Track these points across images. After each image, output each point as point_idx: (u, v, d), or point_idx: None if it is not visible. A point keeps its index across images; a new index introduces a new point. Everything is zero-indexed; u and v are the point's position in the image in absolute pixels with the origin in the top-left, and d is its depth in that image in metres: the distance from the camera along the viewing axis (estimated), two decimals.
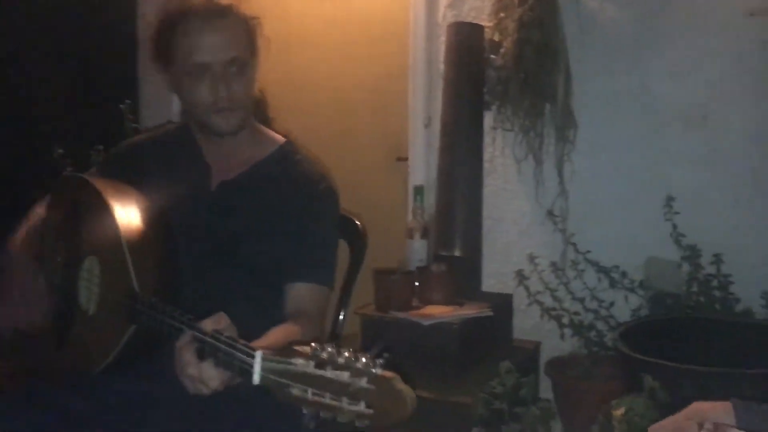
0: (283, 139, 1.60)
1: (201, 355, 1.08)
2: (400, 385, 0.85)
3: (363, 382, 0.85)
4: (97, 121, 2.77)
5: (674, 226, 2.39)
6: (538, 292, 2.56)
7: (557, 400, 2.34)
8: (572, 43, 2.49)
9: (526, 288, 2.57)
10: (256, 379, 0.97)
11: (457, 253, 2.56)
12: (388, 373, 0.85)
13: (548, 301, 2.54)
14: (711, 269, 2.33)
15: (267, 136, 1.59)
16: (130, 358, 1.26)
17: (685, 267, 2.37)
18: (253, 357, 0.98)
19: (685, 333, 2.08)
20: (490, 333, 2.41)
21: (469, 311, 2.31)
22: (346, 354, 0.88)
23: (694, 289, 2.34)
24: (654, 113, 2.49)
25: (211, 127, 1.47)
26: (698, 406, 1.00)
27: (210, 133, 1.49)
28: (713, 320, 2.15)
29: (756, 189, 2.37)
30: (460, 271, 2.46)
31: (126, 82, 3.22)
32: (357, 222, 1.72)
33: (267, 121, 2.56)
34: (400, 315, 2.27)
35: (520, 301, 2.62)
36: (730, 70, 2.39)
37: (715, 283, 2.31)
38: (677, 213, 2.40)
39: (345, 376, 0.86)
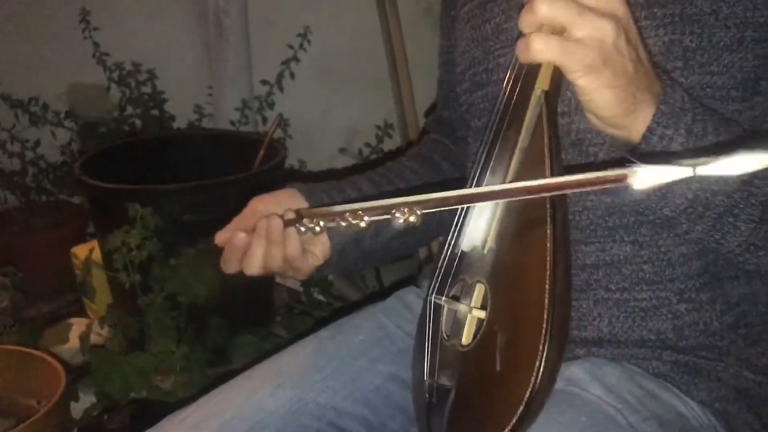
0: None
1: None
2: None
3: None
4: None
5: (95, 45, 2.13)
6: None
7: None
8: None
9: None
10: None
11: None
12: None
13: None
14: (145, 89, 2.18)
15: None
16: None
17: (115, 89, 2.17)
18: None
19: (137, 159, 1.87)
20: None
21: None
22: None
23: (129, 111, 2.17)
24: None
25: None
26: (256, 203, 0.86)
27: None
28: (162, 139, 2.02)
29: None
30: None
31: None
32: None
33: None
34: None
35: None
36: None
37: (150, 103, 2.18)
38: (96, 29, 2.13)
39: None
